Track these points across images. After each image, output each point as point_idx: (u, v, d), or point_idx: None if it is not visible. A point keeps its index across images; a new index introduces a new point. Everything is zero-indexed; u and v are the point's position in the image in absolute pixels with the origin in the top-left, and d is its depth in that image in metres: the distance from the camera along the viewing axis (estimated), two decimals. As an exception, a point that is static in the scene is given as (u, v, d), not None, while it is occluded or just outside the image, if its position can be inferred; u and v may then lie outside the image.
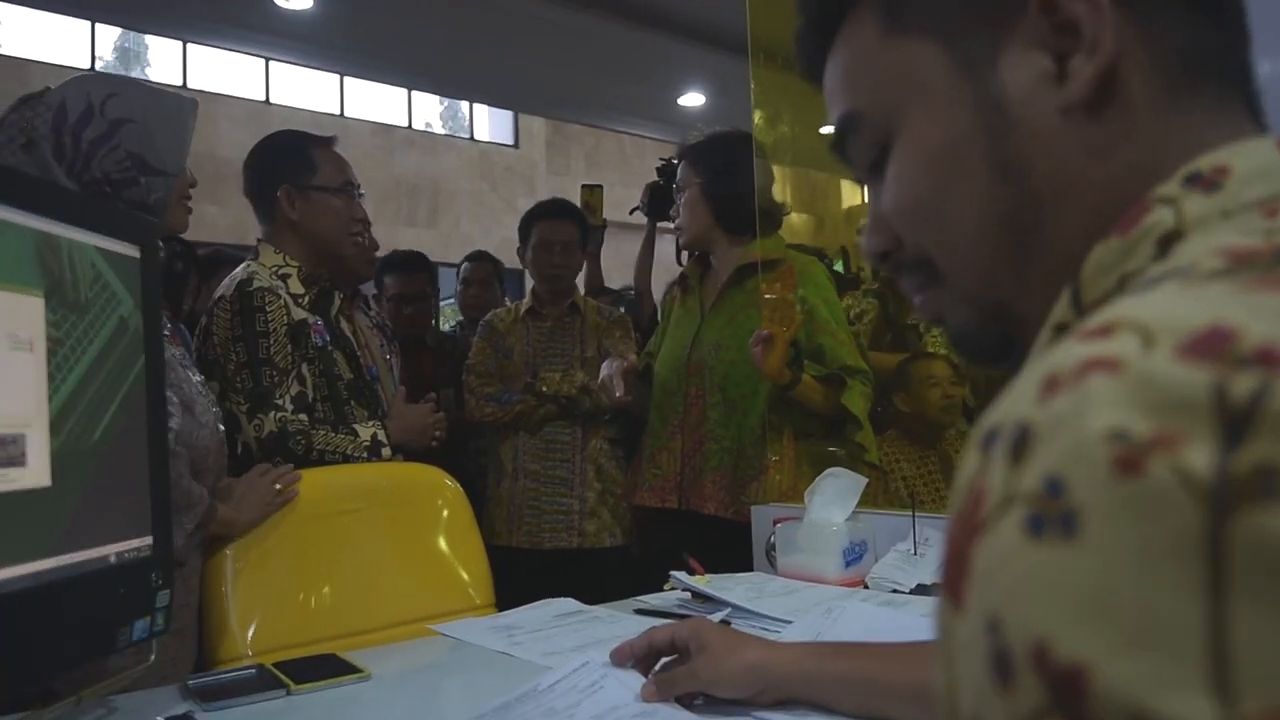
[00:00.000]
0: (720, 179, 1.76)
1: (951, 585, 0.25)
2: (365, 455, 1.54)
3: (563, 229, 2.28)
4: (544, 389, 2.16)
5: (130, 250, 0.81)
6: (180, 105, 1.22)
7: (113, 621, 0.75)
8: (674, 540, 1.46)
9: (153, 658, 0.80)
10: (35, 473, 0.66)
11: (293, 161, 1.60)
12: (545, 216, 2.31)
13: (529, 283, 2.43)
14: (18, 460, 0.65)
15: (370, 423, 1.58)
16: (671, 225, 1.86)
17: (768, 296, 1.71)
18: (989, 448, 0.25)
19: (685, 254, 2.25)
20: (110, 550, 0.74)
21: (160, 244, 0.92)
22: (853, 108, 0.44)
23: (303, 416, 1.49)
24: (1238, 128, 0.36)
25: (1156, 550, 0.21)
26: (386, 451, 1.57)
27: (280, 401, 1.47)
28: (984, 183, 0.40)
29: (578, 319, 2.28)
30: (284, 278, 1.56)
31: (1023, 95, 0.38)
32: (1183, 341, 0.23)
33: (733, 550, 1.47)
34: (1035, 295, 0.39)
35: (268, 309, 1.48)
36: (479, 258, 3.15)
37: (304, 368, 1.52)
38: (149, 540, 0.79)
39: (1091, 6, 0.36)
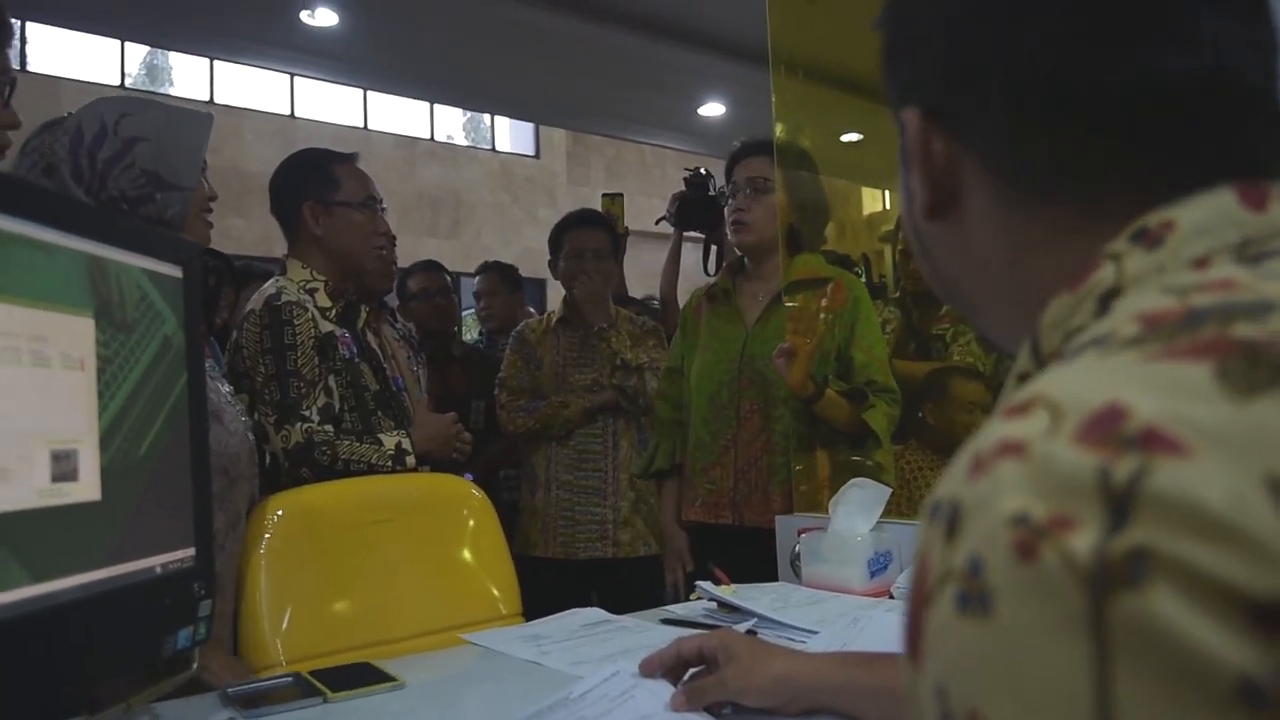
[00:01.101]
0: (804, 189, 1.77)
1: (911, 646, 0.28)
2: (390, 464, 1.56)
3: (593, 237, 2.29)
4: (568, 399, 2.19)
5: (173, 270, 0.83)
6: (193, 120, 1.24)
7: (159, 630, 0.77)
8: (723, 555, 1.46)
9: (195, 666, 0.83)
10: (87, 487, 0.69)
11: (316, 178, 1.64)
12: (575, 226, 2.33)
13: (550, 292, 2.44)
14: (70, 475, 0.67)
15: (395, 432, 1.60)
16: (731, 216, 1.76)
17: (789, 304, 1.73)
18: (933, 521, 0.28)
19: (714, 262, 2.25)
20: (156, 561, 0.77)
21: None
22: None
23: (328, 428, 1.52)
24: (1123, 219, 0.36)
25: (1052, 627, 0.23)
26: (411, 460, 1.59)
27: (307, 413, 1.50)
28: (915, 249, 0.47)
29: (610, 328, 2.29)
30: (311, 291, 1.60)
31: (914, 192, 0.43)
32: (1082, 422, 0.25)
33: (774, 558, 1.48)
34: (992, 335, 0.45)
35: (295, 322, 1.51)
36: (486, 269, 3.14)
37: (331, 380, 1.55)
38: (192, 551, 0.82)
39: (912, 130, 0.41)
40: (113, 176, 1.14)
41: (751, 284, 1.80)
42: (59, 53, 9.02)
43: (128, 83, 9.51)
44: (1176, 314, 0.28)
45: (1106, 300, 0.34)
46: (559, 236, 2.33)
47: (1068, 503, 0.24)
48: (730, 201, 1.75)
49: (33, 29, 8.76)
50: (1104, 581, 0.23)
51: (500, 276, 3.10)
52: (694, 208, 2.86)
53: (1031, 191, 0.38)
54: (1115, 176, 0.36)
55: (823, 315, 1.68)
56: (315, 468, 1.48)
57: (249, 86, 9.43)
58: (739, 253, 1.85)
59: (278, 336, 1.49)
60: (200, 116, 1.25)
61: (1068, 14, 0.36)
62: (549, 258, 2.40)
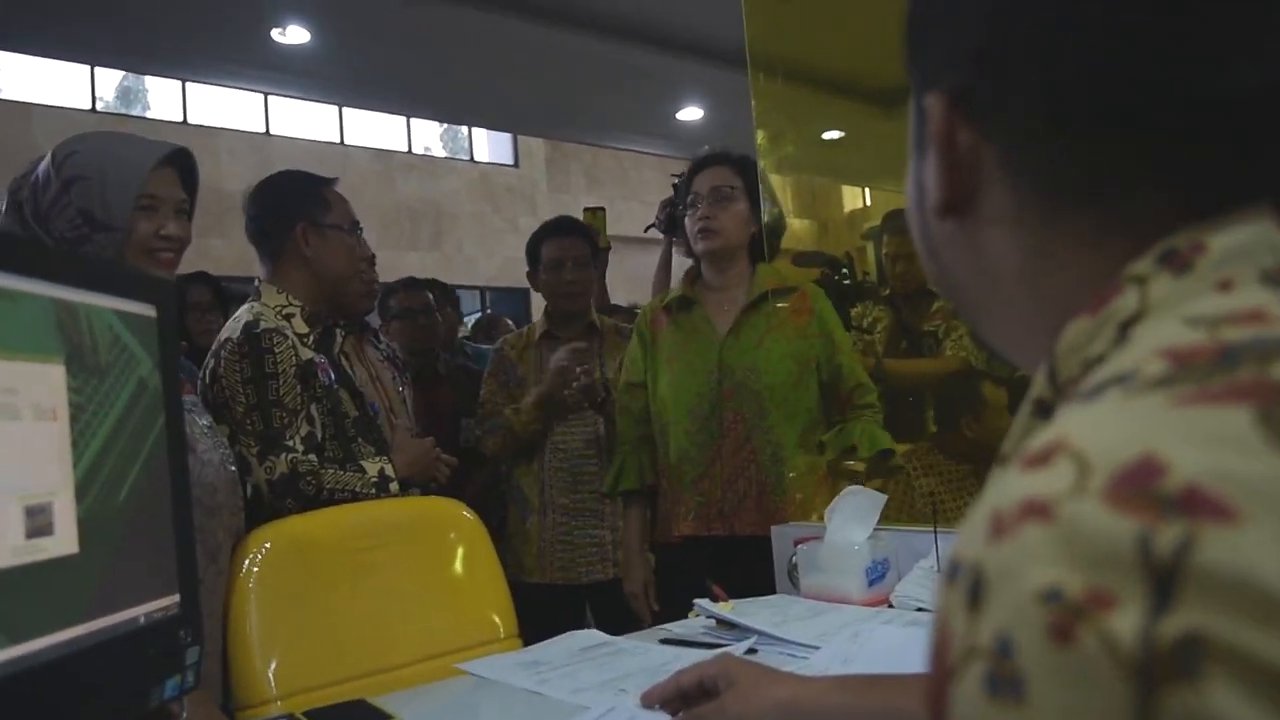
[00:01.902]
0: (759, 196, 1.78)
1: (935, 717, 0.26)
2: (374, 491, 1.54)
3: (572, 245, 2.25)
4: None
5: (147, 310, 0.81)
6: (132, 153, 1.18)
7: (144, 682, 0.75)
8: (717, 566, 1.45)
9: (185, 715, 0.81)
10: (64, 540, 0.67)
11: (309, 200, 1.61)
12: (553, 234, 2.29)
13: (536, 301, 2.41)
14: (45, 529, 0.65)
15: (377, 458, 1.58)
16: (698, 224, 1.75)
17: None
18: (952, 585, 0.26)
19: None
20: (140, 611, 0.75)
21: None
22: None
23: (312, 457, 1.49)
24: (1139, 244, 0.33)
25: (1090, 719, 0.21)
26: (394, 486, 1.57)
27: (290, 442, 1.47)
28: (921, 246, 0.44)
29: (596, 339, 2.26)
30: (288, 317, 1.57)
31: (927, 185, 0.40)
32: (1114, 478, 0.23)
33: (768, 566, 1.47)
34: (994, 342, 0.42)
35: (276, 350, 1.48)
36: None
37: (313, 408, 1.52)
38: (176, 598, 0.80)
39: (936, 117, 0.38)
40: (53, 219, 1.11)
41: (716, 294, 1.78)
42: (30, 78, 8.93)
43: (99, 107, 9.42)
44: (1209, 351, 0.26)
45: (1127, 327, 0.31)
46: (536, 247, 2.29)
47: (1104, 576, 0.22)
48: (691, 211, 1.75)
49: (3, 56, 8.68)
50: (1152, 671, 0.21)
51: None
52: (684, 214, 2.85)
53: (1056, 197, 0.35)
54: (1147, 189, 0.33)
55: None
56: (300, 498, 1.45)
57: (223, 106, 9.37)
58: (698, 261, 1.84)
59: (258, 365, 1.46)
60: (145, 147, 1.19)
61: (1135, 10, 0.33)
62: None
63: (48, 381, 0.68)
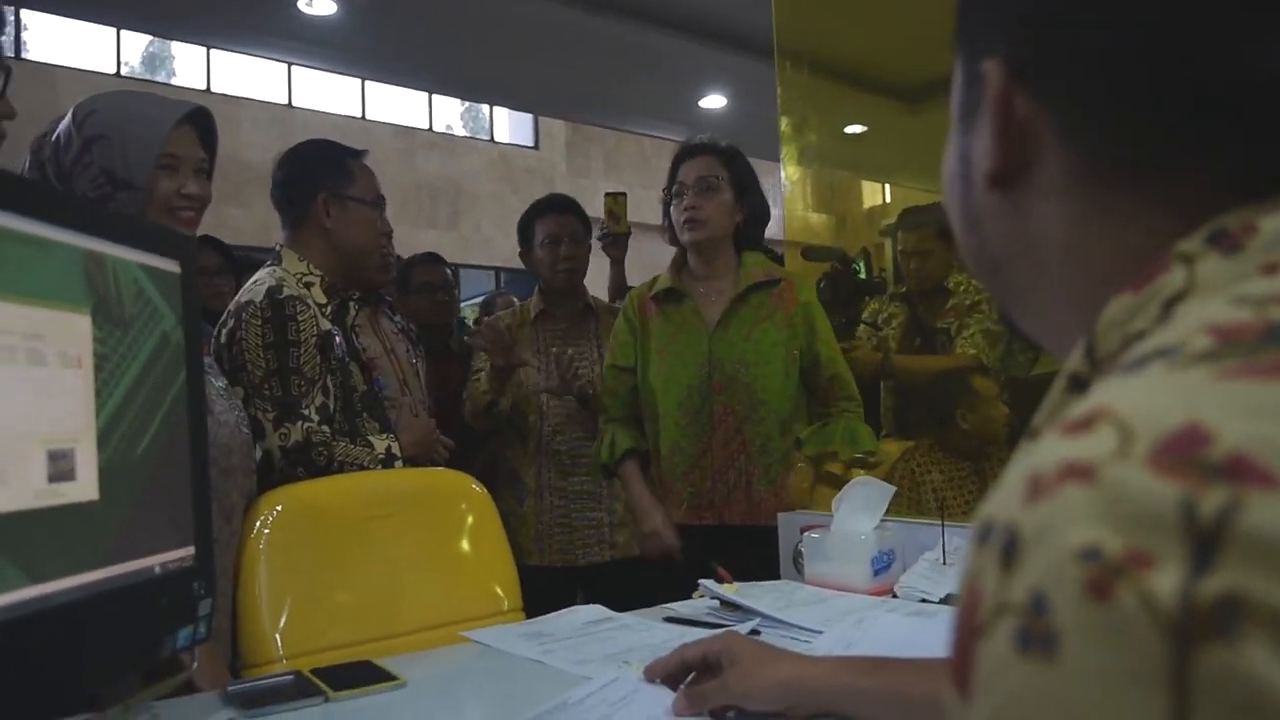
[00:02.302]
0: (750, 192, 1.77)
1: (958, 676, 0.26)
2: (379, 468, 1.57)
3: (567, 222, 2.23)
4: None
5: (171, 266, 0.82)
6: (154, 112, 1.18)
7: (158, 630, 0.76)
8: (700, 557, 1.46)
9: (195, 665, 0.82)
10: (84, 486, 0.68)
11: (331, 170, 1.62)
12: (547, 211, 2.26)
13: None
14: (68, 475, 0.66)
15: (385, 435, 1.60)
16: (684, 214, 1.75)
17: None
18: (984, 545, 0.25)
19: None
20: (155, 561, 0.76)
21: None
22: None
23: (326, 428, 1.51)
24: (1185, 222, 0.33)
25: (1126, 677, 0.21)
26: (399, 464, 1.59)
27: (306, 412, 1.48)
28: (958, 221, 0.42)
29: (591, 320, 2.25)
30: (308, 285, 1.57)
31: (975, 156, 0.39)
32: (1158, 444, 0.23)
33: (757, 554, 1.48)
34: (1027, 323, 0.41)
35: (299, 318, 1.48)
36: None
37: (328, 379, 1.53)
38: (191, 550, 0.81)
39: (994, 84, 0.37)
40: (75, 178, 1.12)
41: (704, 284, 1.78)
42: (56, 41, 8.97)
43: (125, 72, 9.46)
44: (1255, 328, 0.26)
45: (1171, 304, 0.31)
46: (529, 224, 2.27)
47: (1146, 537, 0.22)
48: (677, 201, 1.76)
49: (29, 16, 8.71)
50: (1189, 630, 0.21)
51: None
52: None
53: (1108, 170, 0.35)
54: (1199, 166, 0.33)
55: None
56: (311, 468, 1.47)
57: (246, 75, 9.38)
58: (683, 250, 1.83)
59: (281, 332, 1.47)
60: (165, 106, 1.20)
61: None
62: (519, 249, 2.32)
63: (74, 330, 0.69)
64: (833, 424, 1.71)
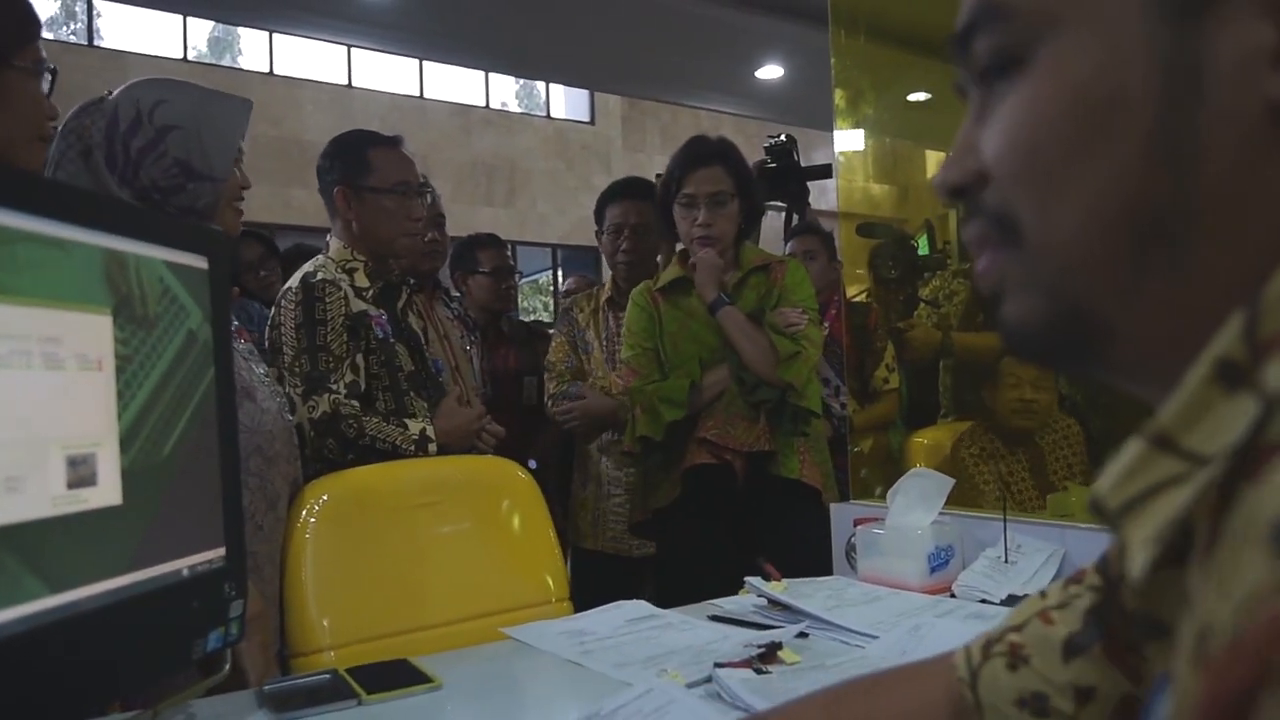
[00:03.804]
0: (749, 193, 1.84)
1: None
2: (413, 449, 1.58)
3: (634, 210, 2.18)
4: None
5: (198, 262, 0.80)
6: (229, 107, 1.22)
7: (187, 634, 0.75)
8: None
9: (227, 668, 0.81)
10: (106, 491, 0.67)
11: (348, 163, 1.67)
12: (616, 198, 2.22)
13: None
14: (88, 480, 0.65)
15: (422, 419, 1.62)
16: (697, 230, 1.79)
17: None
18: None
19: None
20: (184, 564, 0.75)
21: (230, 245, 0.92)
22: None
23: (355, 403, 1.55)
24: None
25: None
26: (433, 448, 1.60)
27: (335, 386, 1.54)
28: (1135, 161, 0.30)
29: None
30: (350, 271, 1.63)
31: (1227, 69, 0.29)
32: None
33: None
34: (1144, 313, 0.31)
35: (326, 299, 1.55)
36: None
37: (359, 359, 1.58)
38: (221, 551, 0.80)
39: None
40: (145, 166, 1.13)
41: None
42: (126, 27, 9.22)
43: (191, 56, 9.67)
44: None
45: None
46: (602, 208, 2.24)
47: None
48: (688, 211, 1.80)
49: (100, 4, 8.96)
50: None
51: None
52: (777, 176, 2.77)
53: None
54: None
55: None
56: (340, 440, 1.51)
57: (307, 58, 9.51)
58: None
59: (309, 312, 1.54)
60: (237, 103, 1.23)
61: None
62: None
63: (94, 331, 0.67)
64: (796, 361, 1.74)
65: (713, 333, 1.79)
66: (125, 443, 0.69)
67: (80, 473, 0.64)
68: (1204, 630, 0.22)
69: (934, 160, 2.97)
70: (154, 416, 0.73)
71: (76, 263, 0.66)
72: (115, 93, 1.19)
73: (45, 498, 0.61)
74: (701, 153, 1.83)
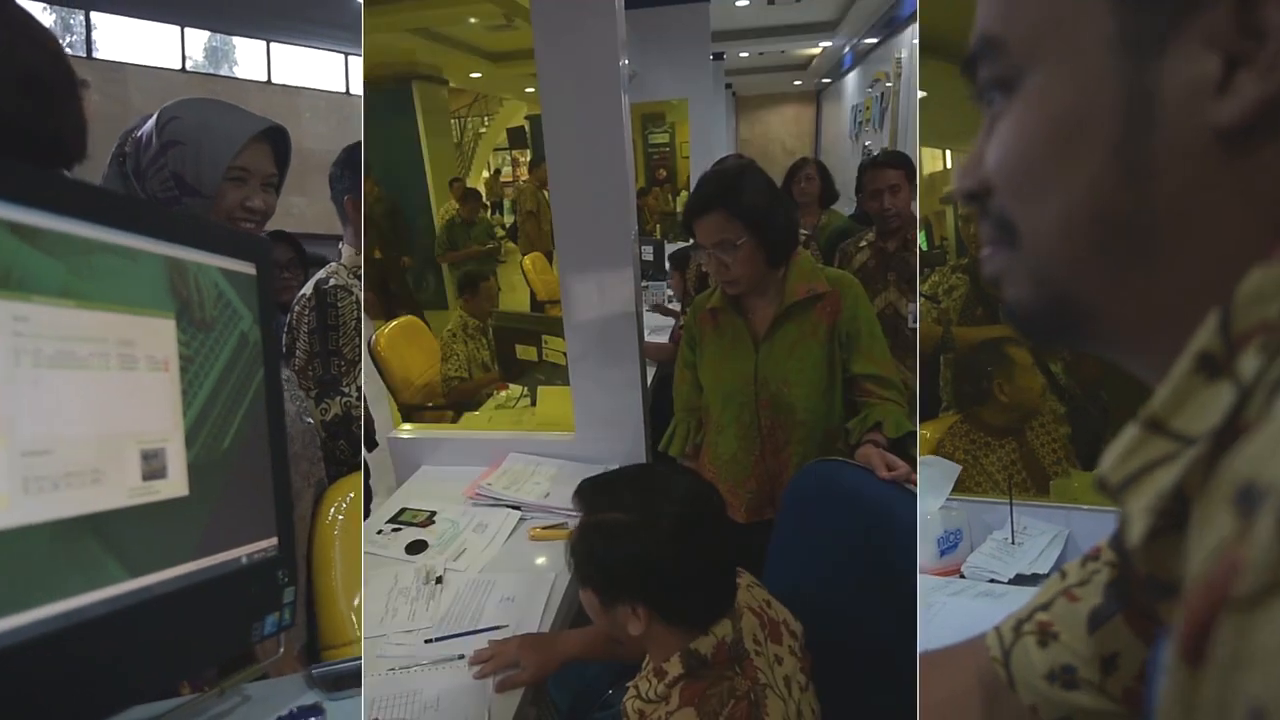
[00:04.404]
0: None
1: (1192, 647, 0.24)
2: None
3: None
4: None
5: (248, 268, 0.85)
6: (230, 125, 1.21)
7: (247, 618, 0.80)
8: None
9: (281, 650, 0.86)
10: (175, 483, 0.71)
11: (354, 174, 1.72)
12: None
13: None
14: (160, 473, 0.69)
15: None
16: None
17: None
18: (1251, 511, 0.23)
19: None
20: (243, 552, 0.79)
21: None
22: (996, 33, 0.39)
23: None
24: None
25: None
26: None
27: (346, 389, 1.60)
28: (1101, 176, 0.35)
29: None
30: (361, 277, 1.69)
31: (1179, 98, 0.33)
32: None
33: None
34: (1121, 300, 0.36)
35: (339, 305, 1.62)
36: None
37: None
38: (274, 541, 0.84)
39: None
40: (148, 178, 1.16)
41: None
42: (123, 39, 9.24)
43: (189, 66, 9.71)
44: None
45: None
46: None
47: None
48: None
49: (98, 18, 8.99)
50: None
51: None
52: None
53: None
54: None
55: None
56: (352, 441, 1.57)
57: (304, 66, 9.55)
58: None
59: (323, 317, 1.61)
60: (243, 120, 1.23)
61: None
62: None
63: (160, 334, 0.72)
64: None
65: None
66: (190, 438, 0.74)
67: (153, 466, 0.69)
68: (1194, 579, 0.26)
69: (929, 157, 3.02)
70: (213, 413, 0.77)
71: (144, 270, 0.71)
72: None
73: (123, 489, 0.66)
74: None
